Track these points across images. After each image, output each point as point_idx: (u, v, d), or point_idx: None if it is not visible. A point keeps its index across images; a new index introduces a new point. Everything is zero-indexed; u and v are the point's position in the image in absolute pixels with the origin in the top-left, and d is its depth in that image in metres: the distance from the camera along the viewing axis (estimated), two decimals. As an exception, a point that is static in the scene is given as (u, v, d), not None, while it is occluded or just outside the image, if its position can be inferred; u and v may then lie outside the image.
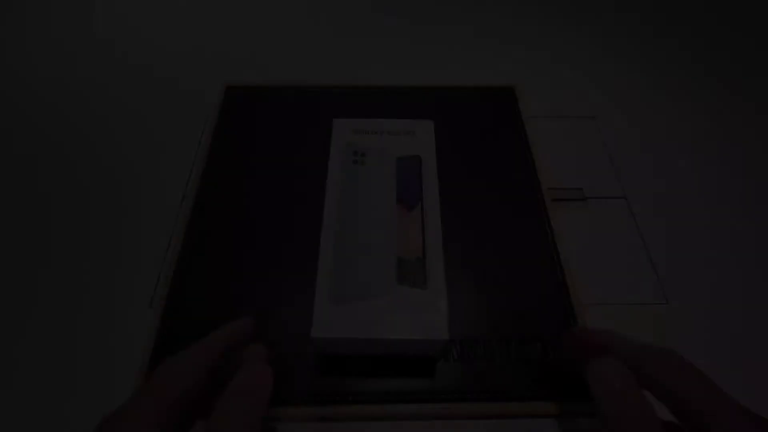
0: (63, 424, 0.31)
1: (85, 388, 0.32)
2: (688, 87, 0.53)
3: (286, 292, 0.35)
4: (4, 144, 0.46)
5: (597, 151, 0.47)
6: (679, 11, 0.62)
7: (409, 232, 0.31)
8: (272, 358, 0.26)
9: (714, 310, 0.36)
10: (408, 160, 0.34)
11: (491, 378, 0.32)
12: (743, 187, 0.44)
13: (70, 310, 0.35)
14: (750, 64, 0.56)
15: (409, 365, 0.32)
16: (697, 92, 0.53)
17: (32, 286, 0.37)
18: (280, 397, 0.30)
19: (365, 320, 0.28)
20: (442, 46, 0.57)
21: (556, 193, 0.43)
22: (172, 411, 0.18)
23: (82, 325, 0.35)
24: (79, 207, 0.41)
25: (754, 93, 0.53)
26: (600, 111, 0.50)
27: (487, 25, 0.60)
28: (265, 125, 0.46)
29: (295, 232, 0.38)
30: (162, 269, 0.37)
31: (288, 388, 0.31)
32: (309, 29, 0.58)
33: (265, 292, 0.35)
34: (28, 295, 0.36)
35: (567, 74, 0.54)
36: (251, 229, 0.38)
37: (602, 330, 0.26)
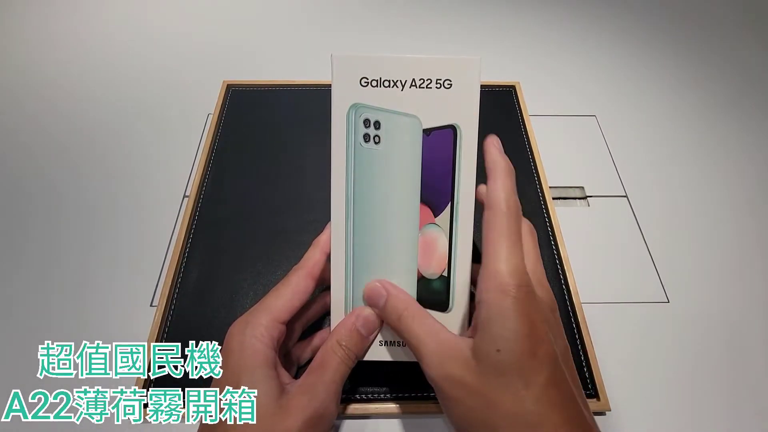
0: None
1: (88, 385, 0.32)
2: (690, 85, 0.53)
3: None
4: (7, 143, 0.46)
5: (598, 149, 0.47)
6: (680, 11, 0.62)
7: (434, 244, 0.26)
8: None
9: (714, 309, 0.36)
10: (439, 134, 0.25)
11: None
12: (745, 186, 0.44)
13: (73, 309, 0.35)
14: (752, 64, 0.55)
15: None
16: (699, 91, 0.52)
17: (36, 285, 0.37)
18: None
19: (380, 344, 0.26)
20: (442, 44, 0.56)
21: (557, 191, 0.43)
22: (276, 322, 0.25)
23: (84, 323, 0.35)
24: (81, 206, 0.41)
25: (756, 92, 0.52)
26: (601, 109, 0.50)
27: (488, 23, 0.59)
28: (266, 123, 0.46)
29: (296, 231, 0.38)
30: (163, 268, 0.37)
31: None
32: (309, 27, 0.58)
33: (267, 291, 0.35)
34: (32, 294, 0.36)
35: (567, 72, 0.54)
36: (252, 227, 0.38)
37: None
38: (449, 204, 0.25)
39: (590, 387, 0.31)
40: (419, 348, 0.23)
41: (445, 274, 0.26)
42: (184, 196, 0.42)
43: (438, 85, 0.24)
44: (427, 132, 0.25)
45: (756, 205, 0.43)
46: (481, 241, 0.24)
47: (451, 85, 0.24)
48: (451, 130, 0.24)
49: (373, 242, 0.25)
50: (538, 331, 0.21)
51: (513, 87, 0.49)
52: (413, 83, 0.24)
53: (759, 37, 0.58)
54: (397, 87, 0.24)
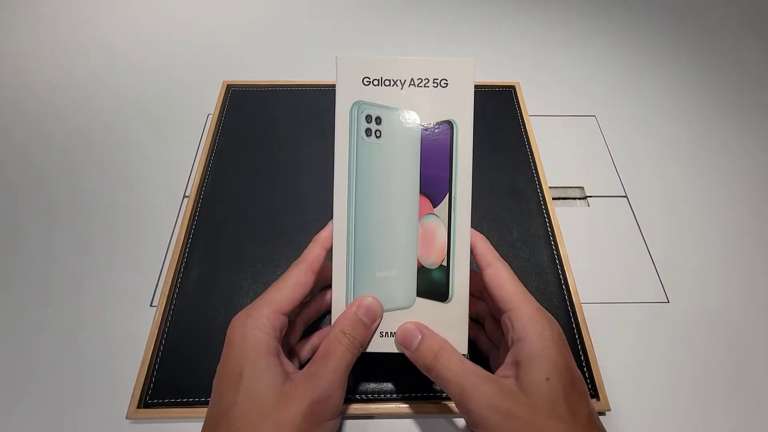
0: (66, 416, 0.31)
1: (88, 384, 0.32)
2: (690, 85, 0.53)
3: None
4: (7, 144, 0.46)
5: (598, 149, 0.47)
6: (680, 11, 0.62)
7: (433, 233, 0.26)
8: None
9: (714, 309, 0.36)
10: (436, 130, 0.26)
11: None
12: (745, 186, 0.44)
13: (73, 309, 0.35)
14: (752, 64, 0.55)
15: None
16: (699, 91, 0.52)
17: (36, 285, 0.37)
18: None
19: (380, 335, 0.26)
20: (443, 44, 0.56)
21: (557, 191, 0.43)
22: (278, 313, 0.25)
23: (85, 323, 0.35)
24: (81, 207, 0.41)
25: (756, 92, 0.52)
26: (601, 109, 0.50)
27: (488, 23, 0.59)
28: (266, 123, 0.46)
29: (296, 231, 0.38)
30: (163, 268, 0.37)
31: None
32: (309, 27, 0.58)
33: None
34: (32, 294, 0.36)
35: (567, 72, 0.54)
36: (252, 227, 0.38)
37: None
38: (447, 195, 0.26)
39: (590, 387, 0.31)
40: (461, 385, 0.23)
41: (445, 263, 0.26)
42: (184, 196, 0.42)
43: (435, 84, 0.26)
44: (425, 127, 0.26)
45: (756, 205, 0.43)
46: (487, 287, 0.26)
47: (447, 84, 0.26)
48: (448, 126, 0.26)
49: (375, 232, 0.26)
50: (572, 363, 0.24)
51: (513, 87, 0.49)
52: (412, 82, 0.26)
53: (759, 37, 0.58)
54: (397, 86, 0.26)
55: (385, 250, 0.26)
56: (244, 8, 0.61)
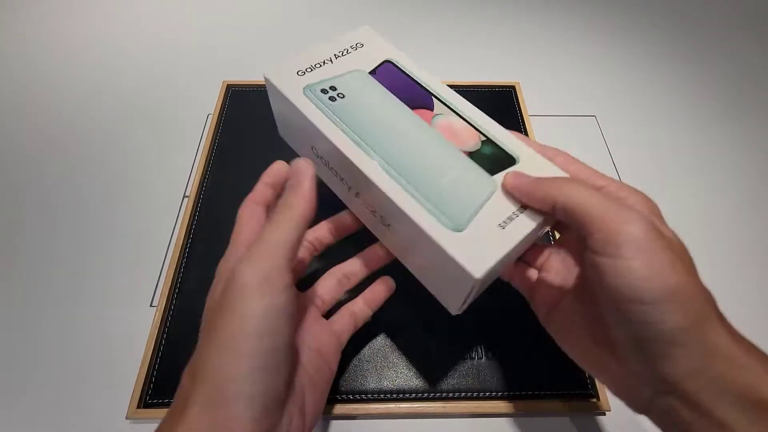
0: (66, 416, 0.31)
1: (88, 384, 0.32)
2: (690, 85, 0.53)
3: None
4: (7, 144, 0.46)
5: (597, 149, 0.47)
6: (679, 10, 0.62)
7: (451, 126, 0.27)
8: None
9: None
10: (382, 69, 0.30)
11: (490, 376, 0.32)
12: (745, 186, 0.44)
13: (73, 309, 0.35)
14: (752, 64, 0.56)
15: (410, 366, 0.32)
16: (699, 91, 0.52)
17: (36, 285, 0.37)
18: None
19: (501, 228, 0.24)
20: (442, 44, 0.57)
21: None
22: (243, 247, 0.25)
23: (85, 323, 0.35)
24: (81, 207, 0.41)
25: (756, 92, 0.52)
26: (601, 109, 0.50)
27: (489, 23, 0.59)
28: (266, 123, 0.46)
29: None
30: (163, 268, 0.37)
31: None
32: (309, 27, 0.58)
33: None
34: (32, 294, 0.36)
35: (567, 72, 0.54)
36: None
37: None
38: (432, 98, 0.29)
39: (590, 387, 0.31)
40: (613, 194, 0.23)
41: (483, 138, 0.27)
42: (184, 196, 0.42)
43: (354, 49, 0.31)
44: (372, 72, 0.30)
45: (756, 205, 0.43)
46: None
47: (363, 45, 0.31)
48: (389, 63, 0.31)
49: (406, 156, 0.26)
50: None
51: (513, 87, 0.49)
52: (336, 56, 0.31)
53: (759, 38, 0.58)
54: (327, 63, 0.30)
55: (428, 162, 0.26)
56: (244, 8, 0.61)
